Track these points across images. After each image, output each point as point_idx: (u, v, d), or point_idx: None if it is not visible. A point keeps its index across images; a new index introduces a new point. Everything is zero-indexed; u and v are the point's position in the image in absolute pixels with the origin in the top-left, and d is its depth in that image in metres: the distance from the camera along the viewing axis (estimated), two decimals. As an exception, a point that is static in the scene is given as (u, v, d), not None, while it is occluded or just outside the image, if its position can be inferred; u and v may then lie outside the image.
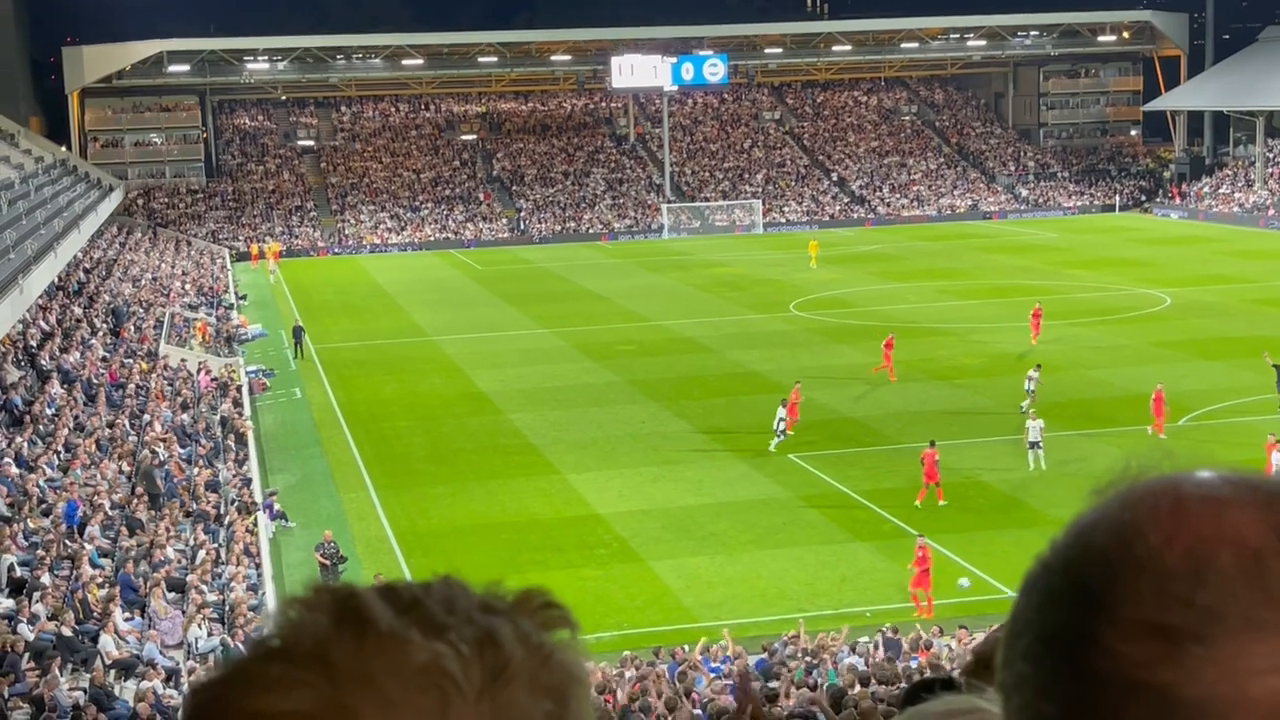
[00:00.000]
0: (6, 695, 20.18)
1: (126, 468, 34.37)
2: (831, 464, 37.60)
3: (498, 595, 1.20)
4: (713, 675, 21.88)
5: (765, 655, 22.57)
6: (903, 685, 18.63)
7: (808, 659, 22.31)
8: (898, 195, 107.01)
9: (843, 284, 70.47)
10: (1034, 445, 36.40)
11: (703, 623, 27.07)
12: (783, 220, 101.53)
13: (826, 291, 68.09)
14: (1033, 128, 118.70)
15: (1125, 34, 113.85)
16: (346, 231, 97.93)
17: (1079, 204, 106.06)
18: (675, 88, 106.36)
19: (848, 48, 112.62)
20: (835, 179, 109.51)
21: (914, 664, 21.37)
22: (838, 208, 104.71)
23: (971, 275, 72.88)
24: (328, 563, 29.04)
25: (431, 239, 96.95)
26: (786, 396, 40.49)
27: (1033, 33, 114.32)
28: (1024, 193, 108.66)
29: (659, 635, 26.15)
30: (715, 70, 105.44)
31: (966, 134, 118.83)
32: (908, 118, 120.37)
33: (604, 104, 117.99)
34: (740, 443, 40.05)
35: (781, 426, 39.00)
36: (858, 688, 18.55)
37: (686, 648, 24.22)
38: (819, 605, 27.75)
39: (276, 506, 34.20)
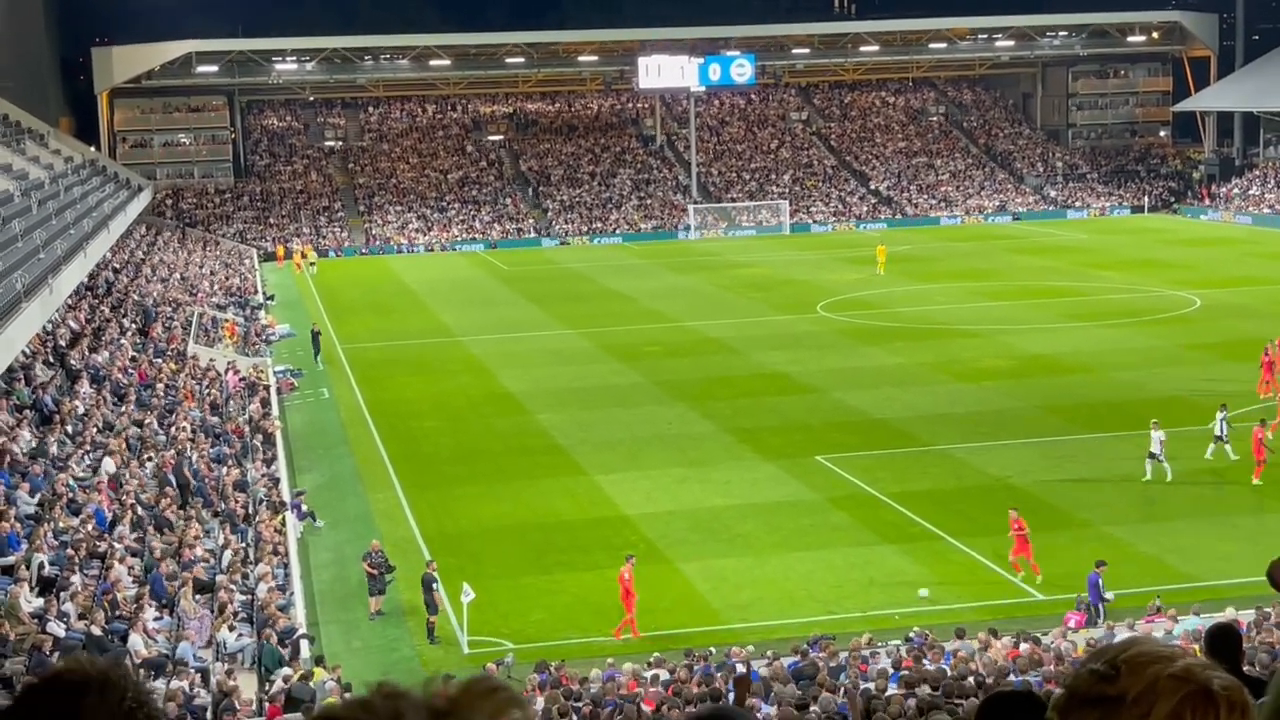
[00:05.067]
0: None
1: (149, 464, 34.44)
2: (859, 466, 37.47)
3: (442, 696, 1.21)
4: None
5: (797, 658, 22.46)
6: (927, 688, 18.53)
7: (837, 662, 22.21)
8: (925, 196, 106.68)
9: (870, 285, 70.23)
10: (1153, 456, 34.95)
11: (730, 625, 27.02)
12: (809, 221, 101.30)
13: (854, 292, 67.88)
14: (1061, 128, 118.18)
15: (1155, 35, 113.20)
16: (374, 232, 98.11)
17: (1108, 205, 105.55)
18: (702, 88, 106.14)
19: (875, 48, 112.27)
20: (865, 181, 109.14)
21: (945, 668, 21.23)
22: (865, 208, 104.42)
23: (1000, 276, 72.58)
24: (376, 572, 28.79)
25: (458, 239, 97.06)
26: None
27: (1061, 33, 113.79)
28: (1052, 193, 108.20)
29: (686, 637, 26.09)
30: (742, 71, 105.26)
31: (995, 135, 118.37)
32: (935, 118, 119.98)
33: (631, 104, 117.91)
34: (767, 444, 39.93)
35: (1222, 433, 36.42)
36: (890, 691, 18.45)
37: (714, 649, 24.16)
38: (846, 608, 27.64)
39: (304, 506, 34.28)
